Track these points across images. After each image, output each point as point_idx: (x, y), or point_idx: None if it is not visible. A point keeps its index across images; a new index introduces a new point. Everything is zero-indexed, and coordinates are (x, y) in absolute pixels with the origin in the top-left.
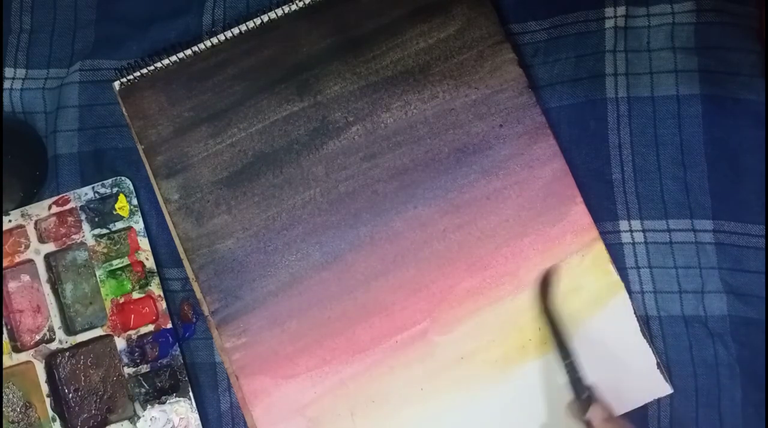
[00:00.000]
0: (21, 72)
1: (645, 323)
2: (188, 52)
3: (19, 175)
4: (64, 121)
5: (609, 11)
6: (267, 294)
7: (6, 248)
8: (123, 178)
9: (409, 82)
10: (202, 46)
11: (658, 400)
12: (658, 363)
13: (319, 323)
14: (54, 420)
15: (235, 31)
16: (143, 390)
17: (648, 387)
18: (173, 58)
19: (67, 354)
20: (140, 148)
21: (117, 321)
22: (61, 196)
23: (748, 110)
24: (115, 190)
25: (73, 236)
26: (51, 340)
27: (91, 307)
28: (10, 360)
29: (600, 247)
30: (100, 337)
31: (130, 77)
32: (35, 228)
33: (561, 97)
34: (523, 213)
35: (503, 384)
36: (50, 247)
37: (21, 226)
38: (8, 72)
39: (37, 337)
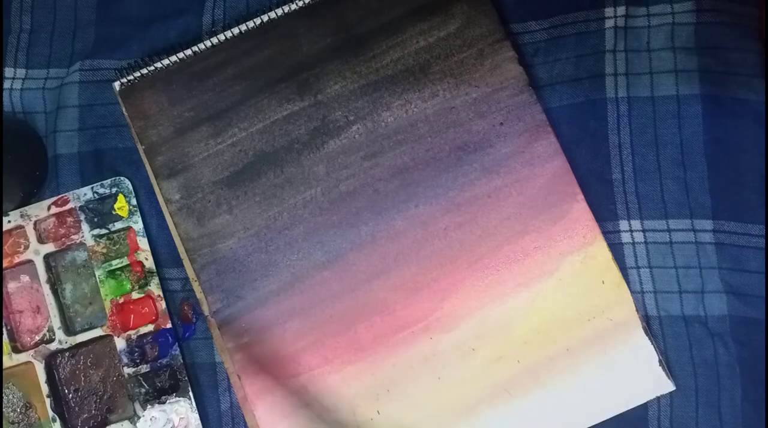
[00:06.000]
0: (21, 72)
1: (645, 323)
2: (188, 52)
3: (19, 175)
4: (64, 121)
5: (609, 11)
6: (269, 294)
7: (5, 249)
8: (122, 178)
9: (409, 81)
10: (202, 46)
11: (658, 400)
12: (660, 361)
13: (320, 322)
14: (54, 420)
15: (235, 30)
16: (143, 390)
17: (650, 385)
18: (173, 58)
19: (66, 354)
20: (141, 148)
21: (117, 322)
22: (60, 196)
23: (748, 110)
24: (113, 190)
25: (73, 236)
26: (51, 341)
27: (90, 307)
28: (10, 360)
29: (602, 245)
30: (100, 337)
31: (130, 77)
32: (34, 228)
33: (561, 97)
34: (524, 211)
35: (505, 382)
36: (50, 248)
37: (20, 227)
38: (8, 72)
39: (37, 338)
